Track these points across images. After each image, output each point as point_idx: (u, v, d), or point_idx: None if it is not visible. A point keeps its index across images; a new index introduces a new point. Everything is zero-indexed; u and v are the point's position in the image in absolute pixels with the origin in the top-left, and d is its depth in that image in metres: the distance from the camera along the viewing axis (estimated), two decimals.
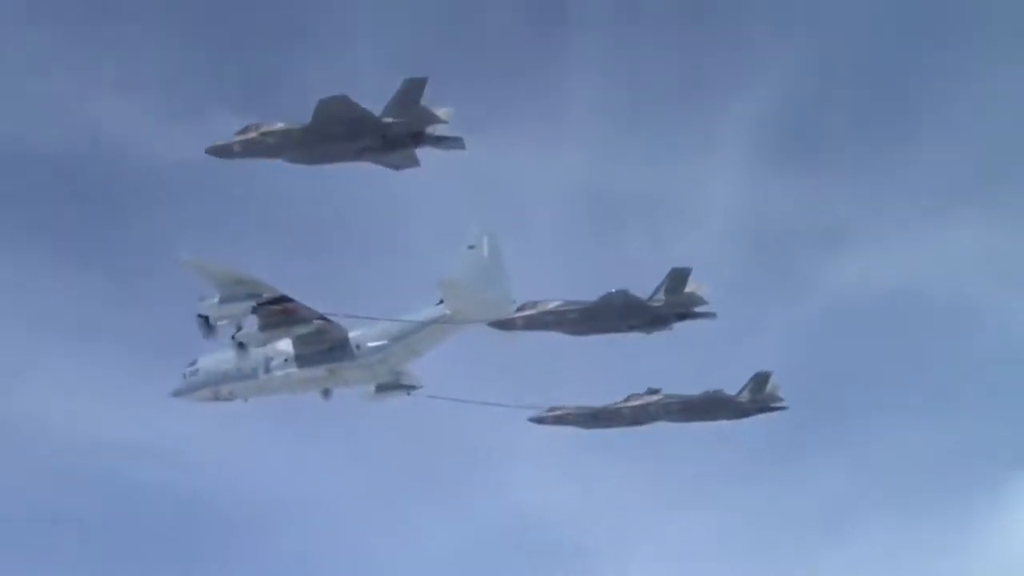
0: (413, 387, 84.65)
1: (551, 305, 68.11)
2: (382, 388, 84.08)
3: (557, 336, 74.16)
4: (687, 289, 68.50)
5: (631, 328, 67.74)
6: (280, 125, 53.93)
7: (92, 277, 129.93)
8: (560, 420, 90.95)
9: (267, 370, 78.59)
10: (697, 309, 76.36)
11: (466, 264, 76.57)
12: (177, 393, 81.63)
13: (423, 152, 54.39)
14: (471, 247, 77.22)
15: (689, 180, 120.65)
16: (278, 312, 74.16)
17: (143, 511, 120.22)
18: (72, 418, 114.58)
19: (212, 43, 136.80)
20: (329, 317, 76.85)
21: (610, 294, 65.78)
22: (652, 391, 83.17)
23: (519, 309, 69.62)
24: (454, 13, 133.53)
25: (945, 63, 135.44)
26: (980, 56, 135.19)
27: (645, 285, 71.44)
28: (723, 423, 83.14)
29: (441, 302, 76.54)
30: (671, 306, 66.59)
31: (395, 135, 52.65)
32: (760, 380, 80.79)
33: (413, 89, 51.70)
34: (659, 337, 70.18)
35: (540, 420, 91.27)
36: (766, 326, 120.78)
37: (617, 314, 66.70)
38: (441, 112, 53.34)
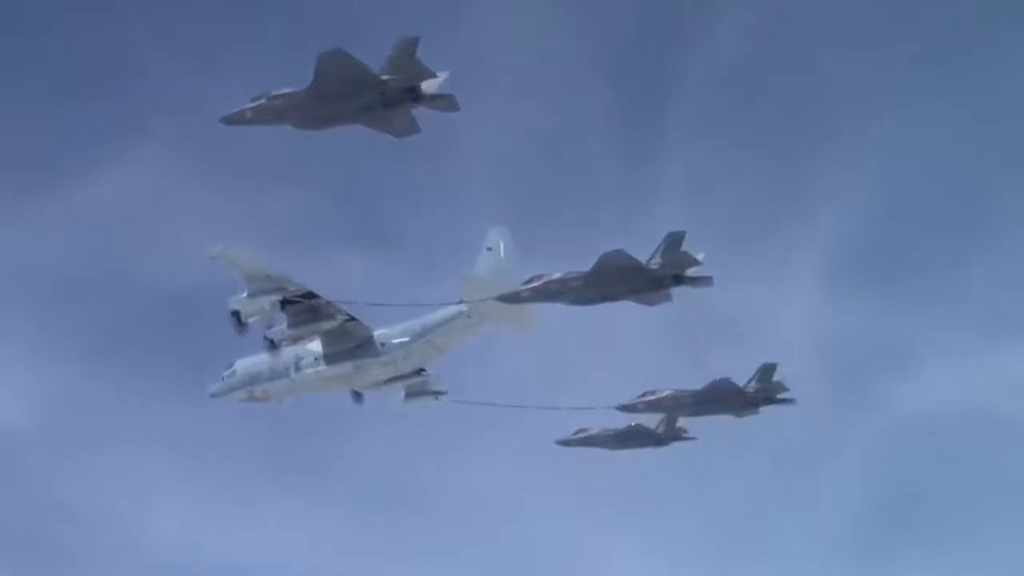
0: (441, 392, 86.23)
1: (555, 275, 68.84)
2: (411, 394, 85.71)
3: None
4: (688, 271, 68.68)
5: (631, 292, 68.04)
6: (286, 89, 55.85)
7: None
8: (587, 442, 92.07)
9: (298, 369, 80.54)
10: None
11: (486, 265, 78.71)
12: (214, 394, 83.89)
13: None
14: (489, 249, 79.41)
15: (762, 299, 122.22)
16: (305, 309, 76.29)
17: None
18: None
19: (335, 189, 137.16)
20: (355, 316, 78.82)
21: (607, 253, 66.25)
22: None
23: (525, 283, 70.42)
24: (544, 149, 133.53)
25: (1017, 185, 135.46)
26: None
27: None
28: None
29: (461, 300, 78.34)
30: (666, 267, 66.85)
31: (392, 92, 54.20)
32: (767, 370, 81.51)
33: (407, 47, 53.43)
34: (661, 309, 70.06)
35: (567, 443, 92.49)
36: (839, 444, 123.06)
37: (616, 276, 67.02)
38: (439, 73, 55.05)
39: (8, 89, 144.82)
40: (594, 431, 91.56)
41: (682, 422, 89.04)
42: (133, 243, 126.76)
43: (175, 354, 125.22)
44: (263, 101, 56.39)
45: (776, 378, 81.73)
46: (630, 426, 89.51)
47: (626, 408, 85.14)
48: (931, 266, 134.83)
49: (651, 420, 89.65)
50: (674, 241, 67.33)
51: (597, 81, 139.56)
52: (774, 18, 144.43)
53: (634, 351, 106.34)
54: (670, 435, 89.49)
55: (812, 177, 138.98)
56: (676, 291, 68.99)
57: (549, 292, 69.88)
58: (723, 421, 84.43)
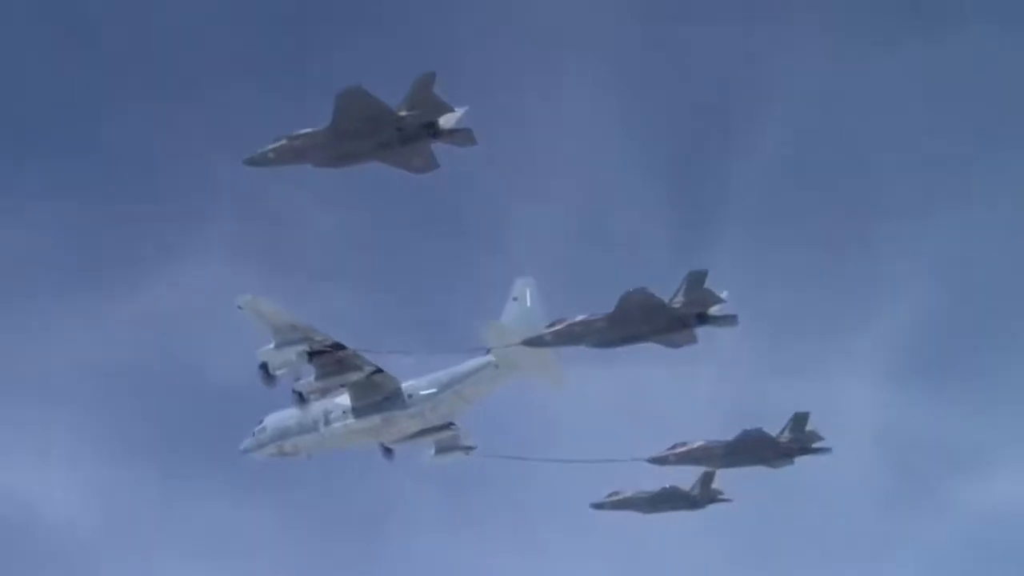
0: (471, 447, 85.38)
1: (579, 318, 67.97)
2: (441, 449, 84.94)
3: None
4: (712, 310, 67.72)
5: (655, 332, 66.93)
6: (307, 129, 55.94)
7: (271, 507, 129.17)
8: (621, 505, 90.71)
9: (327, 423, 79.92)
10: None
11: (512, 315, 78.07)
12: (245, 451, 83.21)
13: None
14: (515, 299, 78.83)
15: (827, 398, 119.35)
16: (333, 361, 75.80)
17: None
18: None
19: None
20: (382, 368, 78.27)
21: (629, 292, 65.30)
22: None
23: (549, 326, 69.66)
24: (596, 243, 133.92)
25: None
26: None
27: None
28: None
29: (488, 351, 77.66)
30: (689, 305, 65.68)
31: (410, 128, 54.18)
32: (799, 420, 79.93)
33: (424, 83, 53.54)
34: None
35: (600, 506, 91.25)
36: (904, 545, 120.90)
37: (639, 316, 65.93)
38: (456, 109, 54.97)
39: (78, 192, 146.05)
40: (628, 493, 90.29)
41: (719, 483, 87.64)
42: (198, 340, 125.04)
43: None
44: (284, 142, 56.59)
45: (809, 427, 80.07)
46: (664, 488, 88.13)
47: (657, 460, 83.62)
48: (996, 366, 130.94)
49: (685, 481, 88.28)
50: (697, 279, 66.30)
51: (654, 179, 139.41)
52: (827, 117, 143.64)
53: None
54: (705, 497, 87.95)
55: (870, 275, 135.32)
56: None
57: (573, 335, 68.95)
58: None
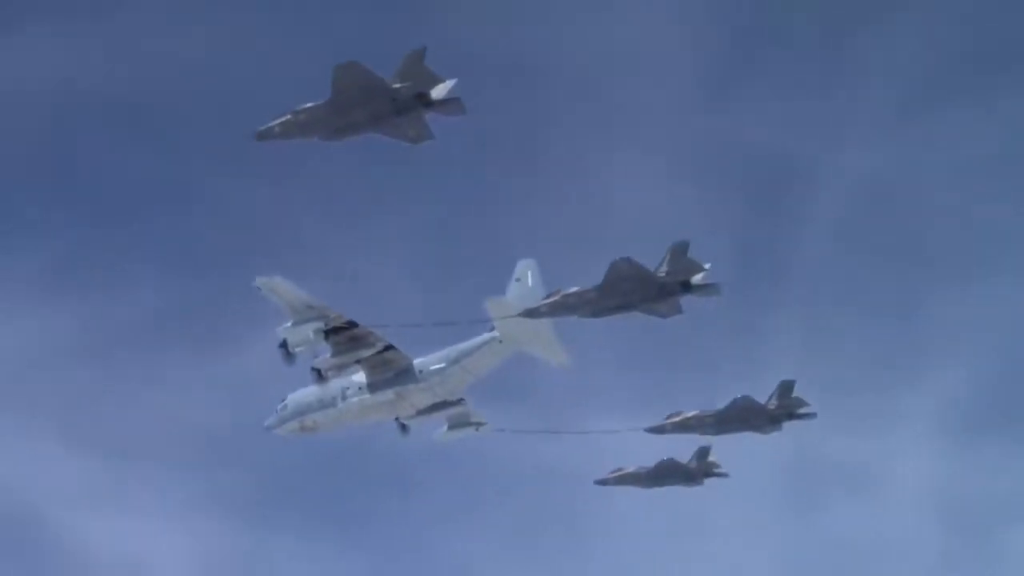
0: (481, 423, 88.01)
1: (572, 289, 70.34)
2: (453, 425, 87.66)
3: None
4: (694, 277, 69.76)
5: (642, 302, 69.13)
6: (308, 104, 58.93)
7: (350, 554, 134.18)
8: (623, 481, 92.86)
9: (344, 398, 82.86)
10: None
11: (514, 295, 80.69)
12: (269, 427, 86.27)
13: None
14: (518, 280, 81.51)
15: (881, 453, 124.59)
16: (348, 338, 78.74)
17: None
18: None
19: None
20: (394, 345, 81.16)
21: (616, 260, 67.50)
22: None
23: (544, 298, 72.14)
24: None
25: None
26: None
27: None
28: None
29: (493, 328, 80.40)
30: (673, 274, 67.87)
31: (404, 98, 57.01)
32: (786, 387, 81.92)
33: (415, 57, 56.37)
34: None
35: (604, 482, 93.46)
36: None
37: (627, 284, 68.13)
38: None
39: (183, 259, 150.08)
40: (630, 469, 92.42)
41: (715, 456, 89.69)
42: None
43: (330, 506, 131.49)
44: (289, 116, 59.50)
45: (795, 394, 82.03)
46: (662, 461, 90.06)
47: (654, 430, 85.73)
48: None
49: (683, 453, 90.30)
50: (680, 249, 68.61)
51: (717, 231, 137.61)
52: (882, 182, 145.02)
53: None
54: (702, 470, 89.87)
55: (926, 335, 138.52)
56: None
57: (567, 305, 71.26)
58: None
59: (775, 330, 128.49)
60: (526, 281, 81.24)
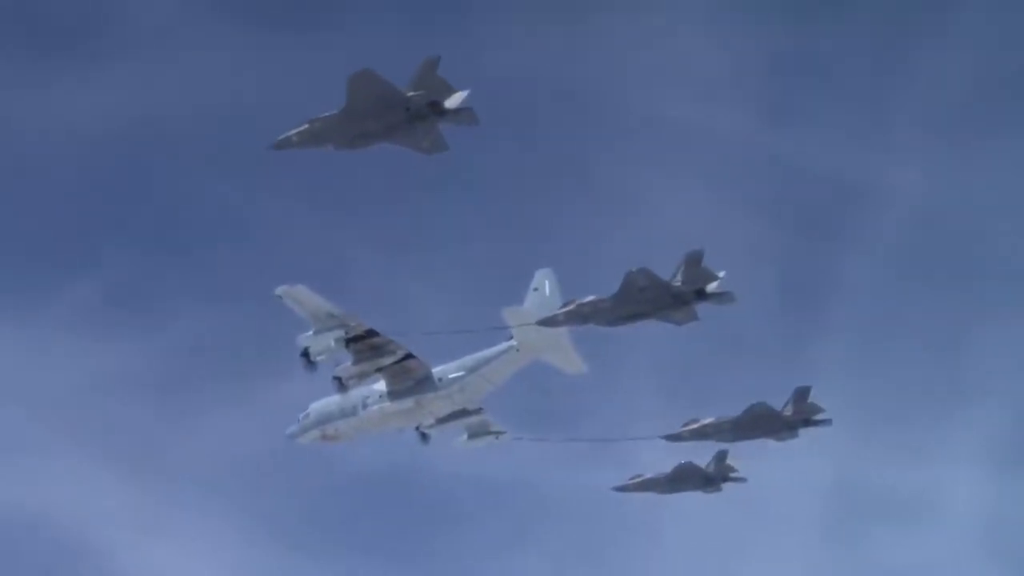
0: (501, 432, 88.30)
1: (588, 298, 70.47)
2: (473, 434, 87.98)
3: None
4: (709, 286, 69.67)
5: (658, 310, 69.17)
6: (325, 113, 59.35)
7: None
8: (642, 487, 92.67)
9: (364, 406, 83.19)
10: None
11: (532, 304, 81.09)
12: (291, 435, 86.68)
13: None
14: (535, 289, 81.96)
15: (929, 482, 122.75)
16: (368, 347, 79.10)
17: None
18: None
19: None
20: (414, 354, 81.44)
21: (632, 271, 67.61)
22: None
23: (561, 307, 72.33)
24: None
25: None
26: None
27: None
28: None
29: (511, 337, 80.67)
30: (688, 283, 67.89)
31: (417, 107, 57.30)
32: (802, 393, 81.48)
33: (429, 66, 56.74)
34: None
35: (623, 489, 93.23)
36: None
37: (642, 294, 68.19)
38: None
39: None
40: (648, 475, 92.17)
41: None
42: None
43: (378, 535, 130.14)
44: (306, 126, 59.95)
45: (811, 400, 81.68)
46: (680, 464, 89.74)
47: (672, 437, 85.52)
48: None
49: (701, 458, 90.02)
50: (694, 259, 68.69)
51: (764, 259, 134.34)
52: (940, 197, 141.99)
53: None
54: (720, 474, 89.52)
55: (977, 360, 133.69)
56: None
57: (582, 314, 71.41)
58: None
59: (823, 356, 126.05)
60: (543, 291, 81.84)
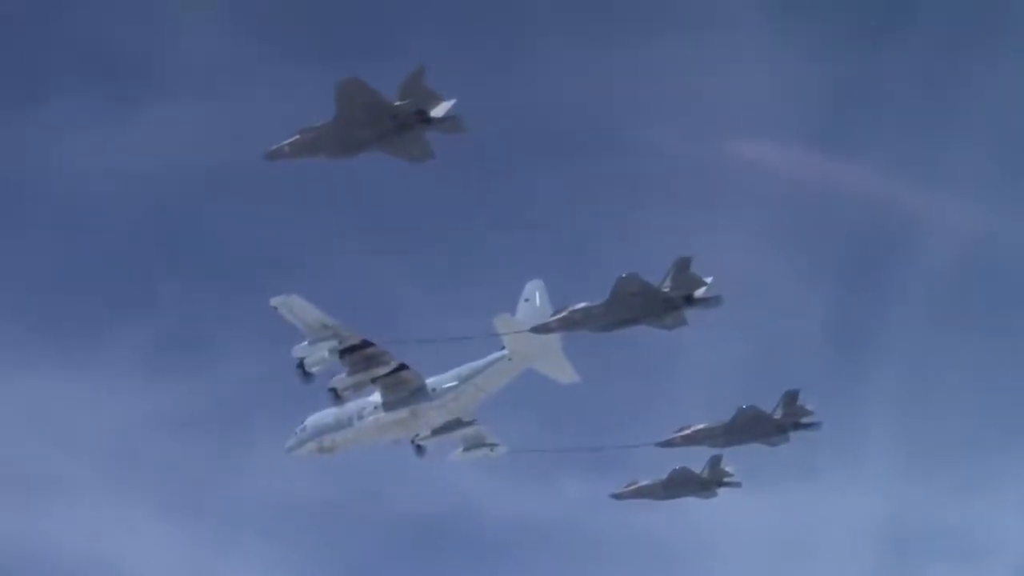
0: (496, 444, 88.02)
1: (579, 305, 70.43)
2: (468, 447, 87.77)
3: None
4: (697, 291, 69.63)
5: (648, 316, 69.14)
6: (315, 123, 59.42)
7: None
8: (638, 493, 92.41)
9: (360, 417, 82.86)
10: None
11: (523, 314, 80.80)
12: (289, 449, 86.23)
13: None
14: (526, 300, 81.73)
15: (974, 518, 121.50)
16: (362, 358, 78.93)
17: None
18: None
19: None
20: (408, 365, 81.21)
21: (622, 277, 67.65)
22: None
23: (553, 315, 72.30)
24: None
25: None
26: None
27: None
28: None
29: (503, 347, 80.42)
30: (677, 289, 67.97)
31: (404, 116, 57.41)
32: (790, 397, 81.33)
33: (416, 75, 56.90)
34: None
35: (620, 496, 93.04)
36: None
37: (633, 300, 68.22)
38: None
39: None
40: (644, 482, 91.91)
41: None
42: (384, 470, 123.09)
43: None
44: (297, 136, 60.16)
45: (800, 403, 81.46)
46: (675, 470, 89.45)
47: (665, 444, 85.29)
48: None
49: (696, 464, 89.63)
50: (683, 265, 68.83)
51: (812, 293, 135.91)
52: (990, 236, 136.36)
53: None
54: (715, 479, 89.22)
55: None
56: None
57: (574, 321, 71.69)
58: None
59: (874, 390, 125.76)
60: (534, 301, 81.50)
